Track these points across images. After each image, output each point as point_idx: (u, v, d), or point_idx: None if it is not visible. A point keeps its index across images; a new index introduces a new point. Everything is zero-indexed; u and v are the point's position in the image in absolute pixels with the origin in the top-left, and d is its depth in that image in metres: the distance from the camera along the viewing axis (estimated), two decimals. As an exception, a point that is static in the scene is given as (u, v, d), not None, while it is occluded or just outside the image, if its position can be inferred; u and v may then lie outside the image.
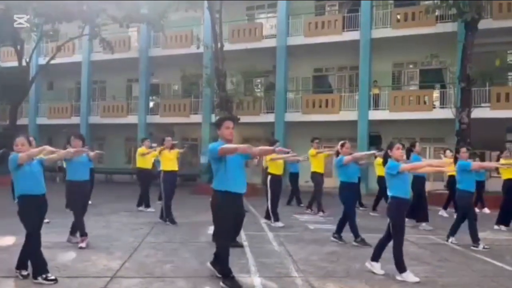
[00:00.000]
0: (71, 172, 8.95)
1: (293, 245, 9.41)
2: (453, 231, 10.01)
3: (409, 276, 6.98)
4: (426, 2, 23.21)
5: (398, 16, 24.03)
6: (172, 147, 12.60)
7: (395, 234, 7.11)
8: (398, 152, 7.24)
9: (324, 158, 14.60)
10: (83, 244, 8.75)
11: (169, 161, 12.42)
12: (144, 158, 14.61)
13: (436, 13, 22.22)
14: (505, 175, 12.67)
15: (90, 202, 15.67)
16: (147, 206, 14.57)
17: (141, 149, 14.69)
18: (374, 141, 24.77)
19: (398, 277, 7.00)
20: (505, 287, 6.93)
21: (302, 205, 16.23)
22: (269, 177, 12.17)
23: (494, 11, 21.63)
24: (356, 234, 9.57)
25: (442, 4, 20.93)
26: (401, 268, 7.06)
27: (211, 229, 9.23)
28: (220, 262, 6.61)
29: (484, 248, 9.35)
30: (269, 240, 10.03)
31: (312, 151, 14.66)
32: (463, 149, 10.13)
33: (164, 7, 24.51)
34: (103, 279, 6.66)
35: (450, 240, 9.94)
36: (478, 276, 7.38)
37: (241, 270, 7.29)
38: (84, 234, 8.88)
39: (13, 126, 27.90)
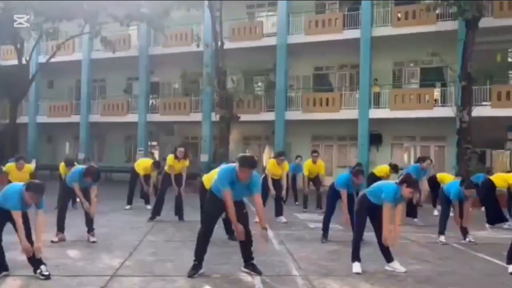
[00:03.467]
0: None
1: (293, 244, 9.40)
2: (441, 229, 10.03)
3: (354, 266, 7.28)
4: (427, 1, 23.17)
5: (399, 15, 23.97)
6: (185, 156, 12.58)
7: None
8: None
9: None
10: (55, 239, 8.98)
11: (176, 170, 12.58)
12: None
13: (437, 11, 22.18)
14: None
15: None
16: (129, 203, 14.84)
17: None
18: (375, 140, 24.76)
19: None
20: (506, 286, 6.92)
21: (297, 203, 16.66)
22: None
23: (495, 9, 21.56)
24: (323, 230, 9.87)
25: (443, 2, 20.90)
26: (352, 257, 7.37)
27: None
28: (196, 248, 6.99)
29: (440, 241, 9.78)
30: (270, 238, 9.99)
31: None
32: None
33: (165, 6, 24.43)
34: (103, 277, 6.64)
35: (440, 238, 9.90)
36: (479, 275, 7.36)
37: (241, 269, 7.27)
38: (60, 229, 9.16)
39: (13, 125, 27.88)
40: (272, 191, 12.30)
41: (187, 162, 12.65)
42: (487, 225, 12.30)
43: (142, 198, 15.29)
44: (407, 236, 10.64)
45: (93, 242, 9.07)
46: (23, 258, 6.59)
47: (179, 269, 7.14)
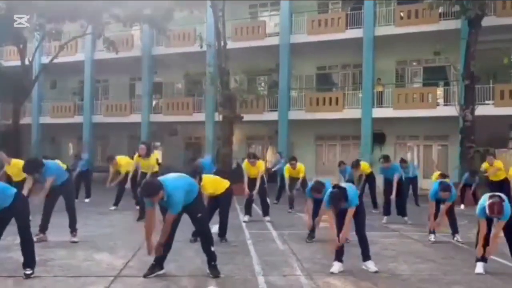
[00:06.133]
0: None
1: (297, 244, 9.40)
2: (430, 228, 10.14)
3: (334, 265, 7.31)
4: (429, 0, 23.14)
5: (402, 14, 23.96)
6: (147, 153, 12.52)
7: None
8: None
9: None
10: (35, 238, 8.89)
11: (144, 167, 12.51)
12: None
13: (440, 10, 22.15)
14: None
15: (87, 200, 15.96)
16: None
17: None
18: (378, 139, 24.74)
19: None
20: (510, 284, 6.91)
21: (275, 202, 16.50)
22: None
23: (498, 8, 21.53)
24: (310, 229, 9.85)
25: (446, 1, 20.86)
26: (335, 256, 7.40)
27: (215, 228, 9.23)
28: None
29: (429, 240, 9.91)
30: (273, 238, 10.02)
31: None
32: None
33: (168, 7, 24.41)
34: (107, 278, 6.65)
35: (429, 237, 10.02)
36: (483, 274, 7.33)
37: (245, 269, 7.29)
38: (41, 230, 9.06)
39: (16, 126, 27.91)
40: (246, 191, 12.37)
41: (151, 161, 12.58)
42: None
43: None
44: (411, 236, 10.65)
45: (74, 242, 9.03)
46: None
47: (183, 269, 7.16)
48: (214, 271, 6.83)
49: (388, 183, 12.90)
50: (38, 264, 6.81)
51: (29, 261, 6.66)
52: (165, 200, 6.43)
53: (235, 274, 6.99)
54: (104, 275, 6.81)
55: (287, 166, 14.88)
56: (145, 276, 6.70)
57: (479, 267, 7.35)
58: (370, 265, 7.34)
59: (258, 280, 6.71)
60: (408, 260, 8.18)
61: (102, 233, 10.28)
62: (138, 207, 14.16)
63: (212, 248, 6.95)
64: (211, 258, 6.91)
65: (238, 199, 14.32)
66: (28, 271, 6.56)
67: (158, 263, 6.85)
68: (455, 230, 10.01)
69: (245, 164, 12.63)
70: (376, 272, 7.20)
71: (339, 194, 7.06)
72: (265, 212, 12.60)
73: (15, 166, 10.56)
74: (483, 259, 7.44)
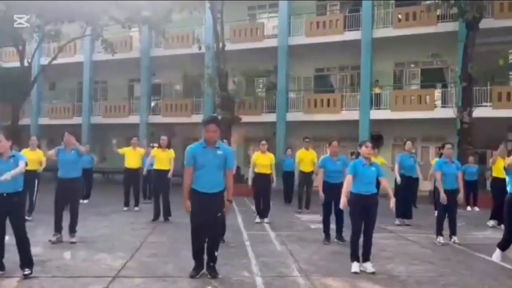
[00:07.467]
0: (59, 170, 9.23)
1: (295, 245, 9.42)
2: (438, 230, 10.09)
3: (353, 266, 7.38)
4: (428, 2, 23.19)
5: (400, 16, 24.02)
6: (167, 146, 12.79)
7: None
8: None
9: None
10: (52, 238, 9.02)
11: (160, 160, 12.70)
12: (130, 158, 14.98)
13: (438, 13, 22.21)
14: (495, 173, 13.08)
15: (86, 201, 15.94)
16: (126, 205, 14.75)
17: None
18: (376, 141, 24.75)
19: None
20: (507, 286, 6.93)
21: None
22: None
23: (496, 10, 21.61)
24: (324, 231, 9.96)
25: (443, 3, 20.91)
26: (351, 257, 7.50)
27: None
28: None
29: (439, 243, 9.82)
30: (271, 239, 10.03)
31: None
32: (448, 145, 10.18)
33: (167, 9, 24.41)
34: (105, 278, 6.65)
35: (438, 239, 9.97)
36: (479, 275, 7.36)
37: (243, 270, 7.30)
38: (57, 230, 9.12)
39: (15, 126, 27.89)
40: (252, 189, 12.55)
41: (171, 153, 12.76)
42: (491, 223, 12.33)
43: (148, 198, 15.14)
44: (408, 237, 10.66)
45: (72, 243, 9.00)
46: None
47: (181, 270, 7.16)
48: (212, 272, 6.84)
49: (406, 178, 12.76)
50: (36, 264, 6.81)
51: (27, 261, 6.67)
52: None
53: (233, 275, 6.99)
54: (102, 276, 6.81)
55: (302, 149, 14.96)
56: (191, 276, 6.78)
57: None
58: (368, 267, 7.36)
59: (256, 281, 6.73)
60: (405, 261, 8.19)
61: (100, 233, 10.27)
62: (136, 208, 14.27)
63: (216, 253, 6.96)
64: (211, 260, 6.93)
65: (235, 200, 14.39)
66: (27, 271, 6.57)
67: (198, 263, 6.93)
68: (453, 232, 10.03)
69: (255, 155, 12.69)
70: (373, 273, 7.22)
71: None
72: (265, 214, 12.56)
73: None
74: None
